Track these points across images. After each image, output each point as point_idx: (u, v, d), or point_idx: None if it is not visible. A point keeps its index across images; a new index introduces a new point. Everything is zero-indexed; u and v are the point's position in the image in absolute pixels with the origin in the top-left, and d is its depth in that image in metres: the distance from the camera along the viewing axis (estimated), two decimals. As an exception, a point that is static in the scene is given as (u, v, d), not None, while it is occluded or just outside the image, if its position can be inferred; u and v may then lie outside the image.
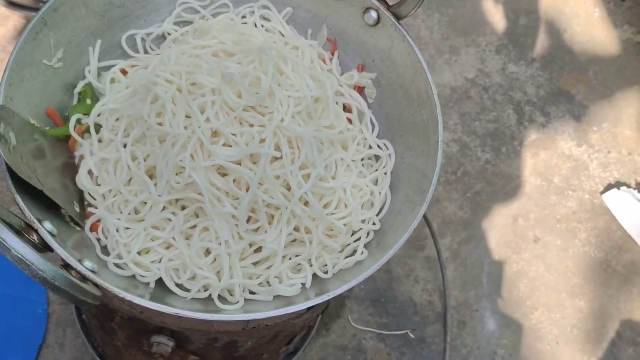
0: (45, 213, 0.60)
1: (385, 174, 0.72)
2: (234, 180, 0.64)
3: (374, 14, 0.74)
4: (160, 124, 0.65)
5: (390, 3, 0.73)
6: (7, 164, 0.58)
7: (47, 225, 0.58)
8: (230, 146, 0.64)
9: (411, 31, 1.33)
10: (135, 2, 0.74)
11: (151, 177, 0.67)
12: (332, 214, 0.68)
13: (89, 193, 0.67)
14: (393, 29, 0.73)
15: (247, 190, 0.63)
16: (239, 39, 0.71)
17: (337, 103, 0.74)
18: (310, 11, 0.78)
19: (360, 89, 0.77)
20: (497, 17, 1.39)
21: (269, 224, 0.65)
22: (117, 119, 0.70)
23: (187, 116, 0.65)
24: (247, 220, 0.65)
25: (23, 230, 0.57)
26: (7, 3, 1.12)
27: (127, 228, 0.65)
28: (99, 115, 0.70)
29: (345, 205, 0.69)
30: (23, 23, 1.19)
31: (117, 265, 0.64)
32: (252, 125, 0.65)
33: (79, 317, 1.00)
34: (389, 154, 0.73)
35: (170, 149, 0.63)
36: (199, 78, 0.66)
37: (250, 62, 0.68)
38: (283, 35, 0.77)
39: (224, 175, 0.64)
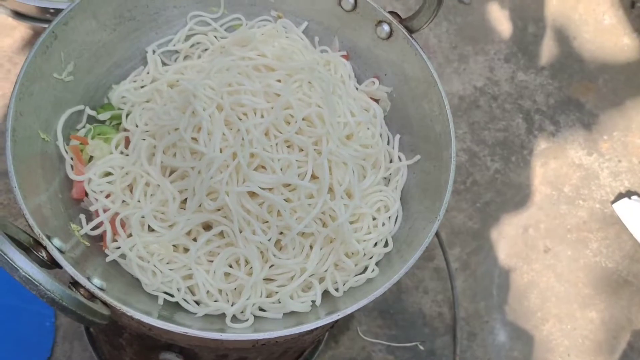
0: (54, 229, 0.60)
1: (396, 188, 0.71)
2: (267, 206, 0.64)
3: (386, 28, 0.73)
4: (194, 139, 0.64)
5: (403, 16, 0.73)
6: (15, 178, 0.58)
7: (56, 242, 0.57)
8: (264, 168, 0.64)
9: (419, 40, 1.31)
10: (146, 15, 0.74)
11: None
12: (364, 240, 0.67)
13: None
14: (405, 43, 0.72)
15: (277, 215, 0.63)
16: (281, 54, 0.71)
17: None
18: (322, 24, 0.77)
19: (374, 102, 0.76)
20: (505, 25, 1.38)
21: (293, 248, 0.65)
22: (146, 124, 0.70)
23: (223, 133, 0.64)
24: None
25: (32, 247, 0.56)
26: (13, 14, 1.12)
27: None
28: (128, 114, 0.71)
29: (370, 229, 0.69)
30: (30, 34, 1.19)
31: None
32: (301, 150, 0.65)
33: (86, 331, 1.00)
34: (400, 167, 0.73)
35: (205, 170, 0.63)
36: (243, 98, 0.65)
37: (294, 82, 0.68)
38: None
39: (253, 195, 0.64)
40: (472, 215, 1.19)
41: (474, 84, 1.31)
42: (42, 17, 1.12)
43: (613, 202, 1.23)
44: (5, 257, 0.48)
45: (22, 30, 1.19)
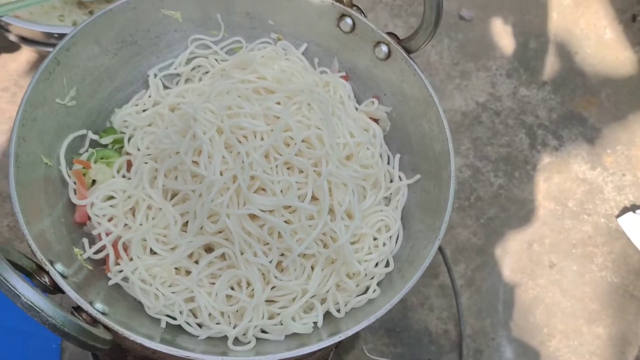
0: (57, 253, 0.61)
1: (396, 208, 0.72)
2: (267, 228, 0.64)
3: (384, 48, 0.74)
4: (195, 162, 0.65)
5: (401, 37, 0.73)
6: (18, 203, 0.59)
7: (59, 267, 0.58)
8: (264, 190, 0.64)
9: (421, 57, 1.33)
10: (147, 40, 0.75)
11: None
12: (365, 260, 0.68)
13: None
14: (404, 63, 0.73)
15: (278, 237, 0.64)
16: (280, 76, 0.71)
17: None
18: (321, 45, 0.78)
19: (374, 122, 0.77)
20: (506, 41, 1.39)
21: (294, 269, 0.65)
22: (148, 147, 0.71)
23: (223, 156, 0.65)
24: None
25: (35, 273, 0.57)
26: (19, 39, 1.13)
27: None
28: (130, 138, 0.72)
29: (370, 249, 0.69)
30: (35, 57, 1.20)
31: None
32: (301, 172, 0.66)
33: (92, 353, 1.00)
34: (400, 187, 0.73)
35: (205, 193, 0.63)
36: (242, 121, 0.66)
37: (293, 104, 0.68)
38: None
39: (253, 217, 0.64)
40: (476, 231, 1.19)
41: (476, 100, 1.31)
42: (47, 42, 1.13)
43: (618, 216, 1.23)
44: (8, 284, 0.49)
45: (27, 54, 1.21)
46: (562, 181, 1.26)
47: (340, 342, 0.89)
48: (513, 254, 1.18)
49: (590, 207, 1.24)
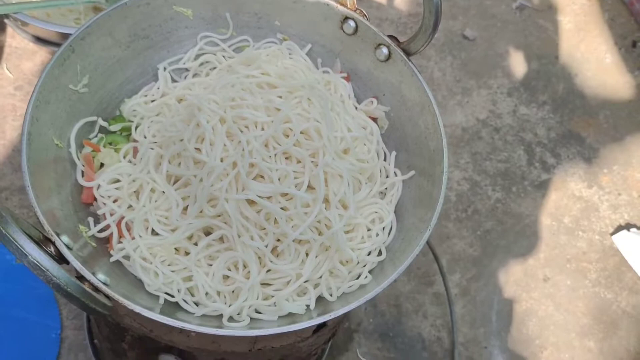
0: (64, 229, 0.63)
1: (390, 201, 0.74)
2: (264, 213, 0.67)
3: (385, 50, 0.77)
4: (198, 149, 0.68)
5: (401, 40, 0.77)
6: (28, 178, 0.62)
7: (64, 238, 0.60)
8: (263, 177, 0.67)
9: (424, 73, 1.37)
10: (159, 34, 0.78)
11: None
12: (358, 249, 0.70)
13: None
14: (403, 65, 0.76)
15: (275, 222, 0.66)
16: (283, 73, 0.75)
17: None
18: (324, 47, 0.81)
19: (373, 120, 0.80)
20: (508, 61, 1.42)
21: (289, 254, 0.68)
22: (154, 135, 0.74)
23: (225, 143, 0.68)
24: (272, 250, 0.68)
25: (41, 242, 0.59)
26: (35, 39, 1.17)
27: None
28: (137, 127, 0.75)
29: (364, 238, 0.72)
30: (49, 58, 1.24)
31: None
32: (299, 161, 0.68)
33: (91, 343, 1.02)
34: (395, 182, 0.76)
35: (206, 178, 0.66)
36: (244, 112, 0.69)
37: (294, 98, 0.72)
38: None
39: (251, 203, 0.67)
40: (472, 242, 1.21)
41: (476, 116, 1.34)
42: (62, 43, 1.17)
43: (612, 234, 1.25)
44: (16, 243, 0.51)
45: (42, 54, 1.24)
46: (559, 198, 1.28)
47: (332, 337, 0.91)
48: (508, 267, 1.20)
49: (586, 224, 1.26)
